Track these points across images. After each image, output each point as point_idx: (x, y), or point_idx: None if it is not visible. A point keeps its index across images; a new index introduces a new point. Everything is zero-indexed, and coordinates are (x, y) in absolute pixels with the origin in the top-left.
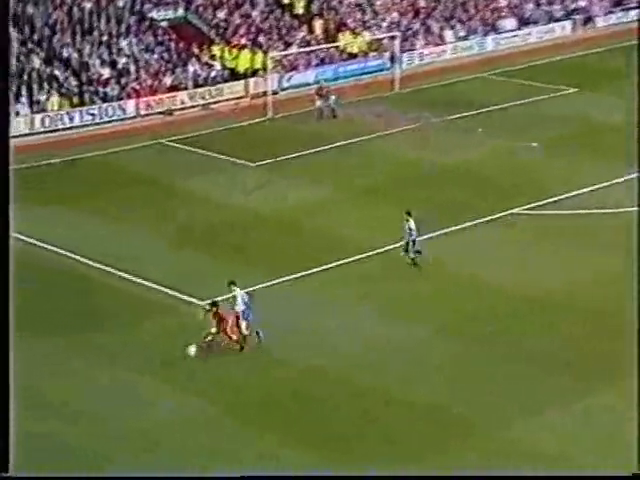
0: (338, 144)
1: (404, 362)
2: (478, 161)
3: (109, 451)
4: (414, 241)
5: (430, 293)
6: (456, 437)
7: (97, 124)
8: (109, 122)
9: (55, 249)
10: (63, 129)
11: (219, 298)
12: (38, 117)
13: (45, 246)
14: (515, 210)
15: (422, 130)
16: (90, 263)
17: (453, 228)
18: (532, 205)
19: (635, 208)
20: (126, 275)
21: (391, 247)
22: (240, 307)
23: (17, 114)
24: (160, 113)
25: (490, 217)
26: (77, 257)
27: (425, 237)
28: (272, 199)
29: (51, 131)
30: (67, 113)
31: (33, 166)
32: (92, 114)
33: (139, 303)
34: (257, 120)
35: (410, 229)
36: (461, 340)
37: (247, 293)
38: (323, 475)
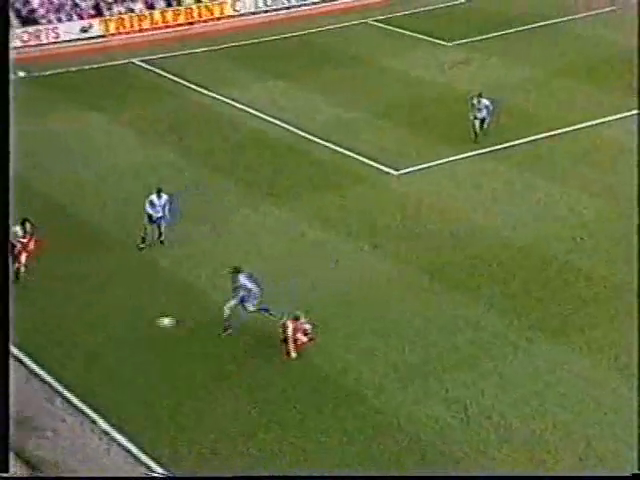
0: (533, 25)
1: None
2: None
3: None
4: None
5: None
6: None
7: (312, 5)
8: (322, 3)
9: (267, 117)
10: (284, 8)
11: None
12: None
13: (262, 115)
14: None
15: (617, 13)
16: (294, 130)
17: None
18: None
19: None
20: (332, 146)
21: (582, 126)
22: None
23: None
24: None
25: None
26: (289, 127)
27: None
28: (467, 77)
29: (274, 10)
30: None
31: (253, 44)
32: None
33: (343, 171)
34: (456, 2)
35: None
36: None
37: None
38: (323, 475)
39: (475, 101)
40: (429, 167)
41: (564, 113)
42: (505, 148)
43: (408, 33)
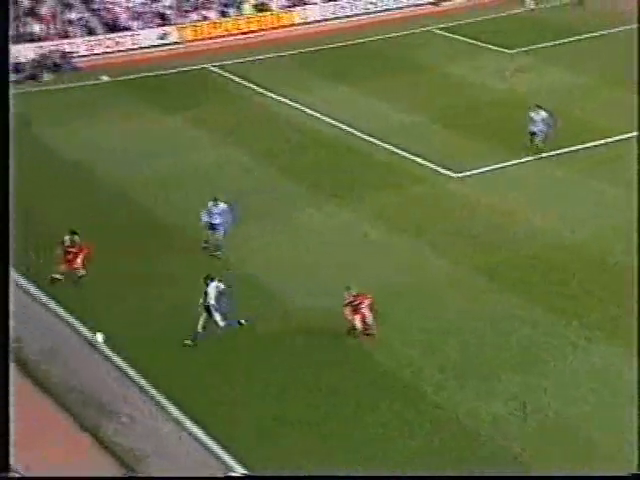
0: (593, 34)
1: None
2: None
3: None
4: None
5: None
6: None
7: (375, 13)
8: (386, 11)
9: (331, 121)
10: (349, 16)
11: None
12: (328, 6)
13: (326, 119)
14: None
15: None
16: (357, 133)
17: None
18: None
19: None
20: (393, 148)
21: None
22: (211, 302)
23: (313, 3)
24: (430, 4)
25: None
26: (351, 130)
27: None
28: (528, 84)
29: (340, 18)
30: (351, 2)
31: (319, 51)
32: (372, 3)
33: (403, 173)
34: (517, 11)
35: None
36: None
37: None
38: (323, 475)
39: (533, 113)
40: (488, 170)
41: (620, 120)
42: (563, 154)
43: (471, 41)
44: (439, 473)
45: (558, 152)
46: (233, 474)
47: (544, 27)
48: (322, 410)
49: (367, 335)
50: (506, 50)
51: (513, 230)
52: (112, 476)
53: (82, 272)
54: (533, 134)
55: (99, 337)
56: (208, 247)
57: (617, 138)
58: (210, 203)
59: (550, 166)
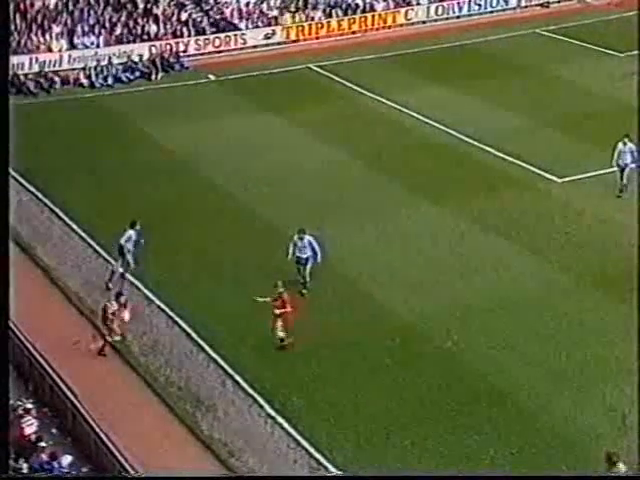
0: None
1: None
2: None
3: None
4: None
5: None
6: None
7: (481, 13)
8: (492, 12)
9: (434, 123)
10: (455, 17)
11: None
12: (433, 6)
13: (429, 121)
14: None
15: None
16: (461, 137)
17: None
18: None
19: None
20: (495, 152)
21: None
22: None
23: (418, 4)
24: (538, 5)
25: None
26: (454, 132)
27: None
28: (635, 88)
29: (445, 19)
30: (458, 3)
31: (424, 52)
32: (479, 4)
33: (505, 176)
34: (630, 14)
35: None
36: None
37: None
38: (323, 475)
39: (620, 145)
40: (593, 176)
41: None
42: None
43: (578, 43)
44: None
45: None
46: (233, 475)
47: None
48: (417, 413)
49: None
50: (617, 53)
51: (618, 238)
52: (113, 475)
53: None
54: (622, 169)
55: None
56: (298, 280)
57: None
58: (296, 237)
59: None
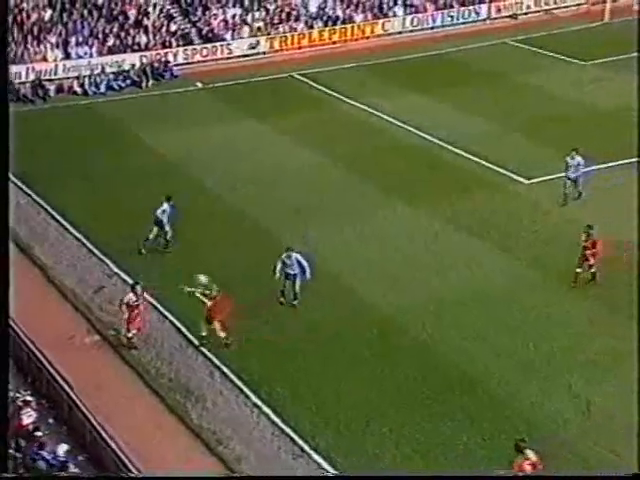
0: None
1: None
2: None
3: None
4: None
5: None
6: None
7: (454, 24)
8: (464, 23)
9: (410, 128)
10: (430, 28)
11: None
12: (409, 18)
13: (405, 126)
14: None
15: None
16: (435, 140)
17: None
18: None
19: None
20: (467, 155)
21: None
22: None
23: (394, 15)
24: (507, 16)
25: None
26: (427, 137)
27: None
28: (601, 95)
29: (420, 30)
30: (432, 15)
31: (400, 61)
32: (451, 16)
33: (476, 178)
34: (594, 24)
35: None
36: None
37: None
38: (323, 475)
39: (569, 159)
40: (558, 177)
41: None
42: (632, 162)
43: (545, 52)
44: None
45: (629, 160)
46: (233, 475)
47: (618, 40)
48: (394, 401)
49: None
50: (580, 62)
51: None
52: (112, 476)
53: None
54: (573, 181)
55: (202, 278)
56: (284, 297)
57: None
58: (284, 255)
59: (619, 174)
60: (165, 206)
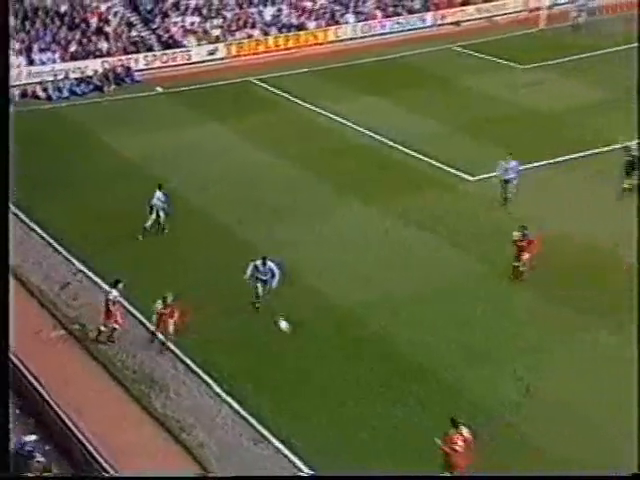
0: (602, 52)
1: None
2: None
3: None
4: None
5: None
6: None
7: (402, 31)
8: (411, 30)
9: (361, 129)
10: (379, 34)
11: (486, 175)
12: (359, 25)
13: (357, 127)
14: None
15: None
16: (385, 141)
17: None
18: None
19: None
20: (416, 154)
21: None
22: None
23: (346, 22)
24: (451, 24)
25: None
26: (379, 137)
27: None
28: (538, 97)
29: (370, 36)
30: (381, 22)
31: (351, 66)
32: (399, 23)
33: (425, 176)
34: (531, 30)
35: None
36: None
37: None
38: (323, 475)
39: (503, 162)
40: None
41: (627, 129)
42: (568, 160)
43: (486, 57)
44: None
45: (565, 158)
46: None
47: (553, 45)
48: (352, 391)
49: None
50: (519, 65)
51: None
52: (112, 476)
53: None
54: (506, 182)
55: (283, 325)
56: (259, 301)
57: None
58: (259, 262)
59: (557, 171)
60: (158, 194)
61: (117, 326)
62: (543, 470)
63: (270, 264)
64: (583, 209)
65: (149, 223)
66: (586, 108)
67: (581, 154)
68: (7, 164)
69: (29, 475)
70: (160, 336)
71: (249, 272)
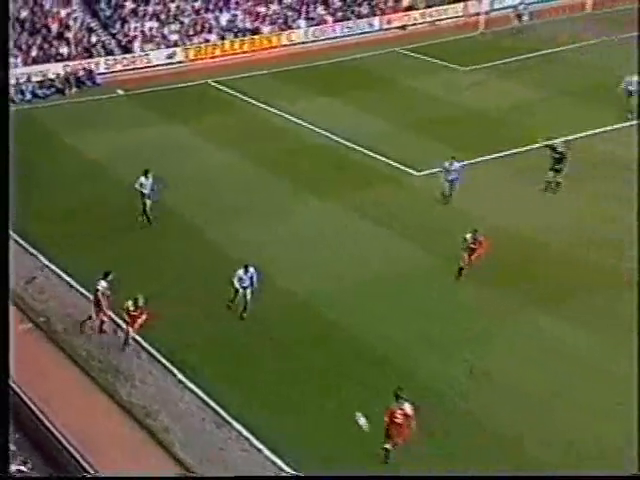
0: (537, 54)
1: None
2: None
3: None
4: None
5: None
6: None
7: (351, 35)
8: (360, 34)
9: (316, 128)
10: (330, 38)
11: (430, 171)
12: (311, 30)
13: (310, 126)
14: None
15: (604, 44)
16: (336, 139)
17: None
18: None
19: None
20: (366, 151)
21: (571, 138)
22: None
23: (298, 27)
24: (397, 28)
25: None
26: (331, 135)
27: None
28: (479, 97)
29: (321, 40)
30: (331, 26)
31: (304, 68)
32: (349, 27)
33: (375, 172)
34: (471, 34)
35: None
36: None
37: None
38: (323, 475)
39: (447, 164)
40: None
41: (561, 126)
42: (505, 156)
43: (430, 60)
44: None
45: (503, 154)
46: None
47: (492, 48)
48: (304, 375)
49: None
50: (460, 67)
51: (469, 223)
52: (115, 476)
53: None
54: (450, 182)
55: (362, 421)
56: (233, 302)
57: (560, 140)
58: (241, 271)
59: (496, 166)
60: (142, 179)
61: (105, 318)
62: (486, 444)
63: (251, 270)
64: (517, 203)
65: (147, 209)
66: (522, 107)
67: (515, 150)
68: (7, 168)
69: (30, 475)
70: (130, 333)
71: (237, 284)
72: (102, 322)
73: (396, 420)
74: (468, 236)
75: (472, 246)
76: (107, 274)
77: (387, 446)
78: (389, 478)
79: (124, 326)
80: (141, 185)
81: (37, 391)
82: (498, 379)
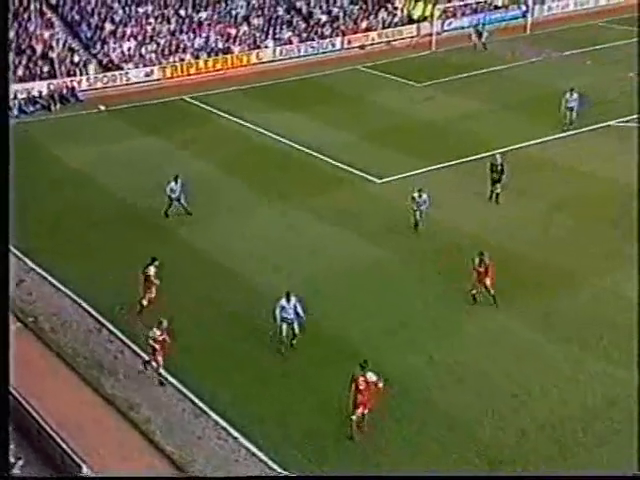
0: (483, 71)
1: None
2: (590, 83)
3: None
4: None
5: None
6: None
7: (315, 54)
8: (324, 53)
9: (283, 139)
10: (295, 57)
11: (389, 178)
12: (278, 49)
13: (277, 137)
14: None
15: (545, 61)
16: (302, 149)
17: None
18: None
19: None
20: (327, 159)
21: (514, 147)
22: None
23: (266, 47)
24: (357, 47)
25: (590, 127)
26: (295, 145)
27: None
28: (432, 110)
29: (288, 58)
30: (297, 46)
31: (272, 84)
32: (313, 47)
33: (337, 179)
34: (424, 53)
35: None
36: None
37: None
38: (323, 475)
39: (416, 194)
40: (404, 177)
41: (506, 136)
42: (460, 163)
43: (388, 76)
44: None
45: (457, 161)
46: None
47: (446, 65)
48: (281, 367)
49: None
50: (415, 83)
51: (424, 226)
52: (110, 477)
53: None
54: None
55: None
56: (282, 342)
57: (508, 148)
58: (283, 300)
59: (450, 173)
60: (172, 184)
61: (145, 302)
62: (446, 430)
63: (293, 300)
64: (467, 207)
65: (167, 208)
66: (470, 119)
67: (464, 159)
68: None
69: (31, 475)
70: (154, 364)
71: (278, 315)
72: (142, 306)
73: (360, 387)
74: (476, 260)
75: (479, 269)
76: (154, 259)
77: (353, 417)
78: (389, 478)
79: (148, 356)
80: (171, 190)
81: (27, 387)
82: (458, 370)
